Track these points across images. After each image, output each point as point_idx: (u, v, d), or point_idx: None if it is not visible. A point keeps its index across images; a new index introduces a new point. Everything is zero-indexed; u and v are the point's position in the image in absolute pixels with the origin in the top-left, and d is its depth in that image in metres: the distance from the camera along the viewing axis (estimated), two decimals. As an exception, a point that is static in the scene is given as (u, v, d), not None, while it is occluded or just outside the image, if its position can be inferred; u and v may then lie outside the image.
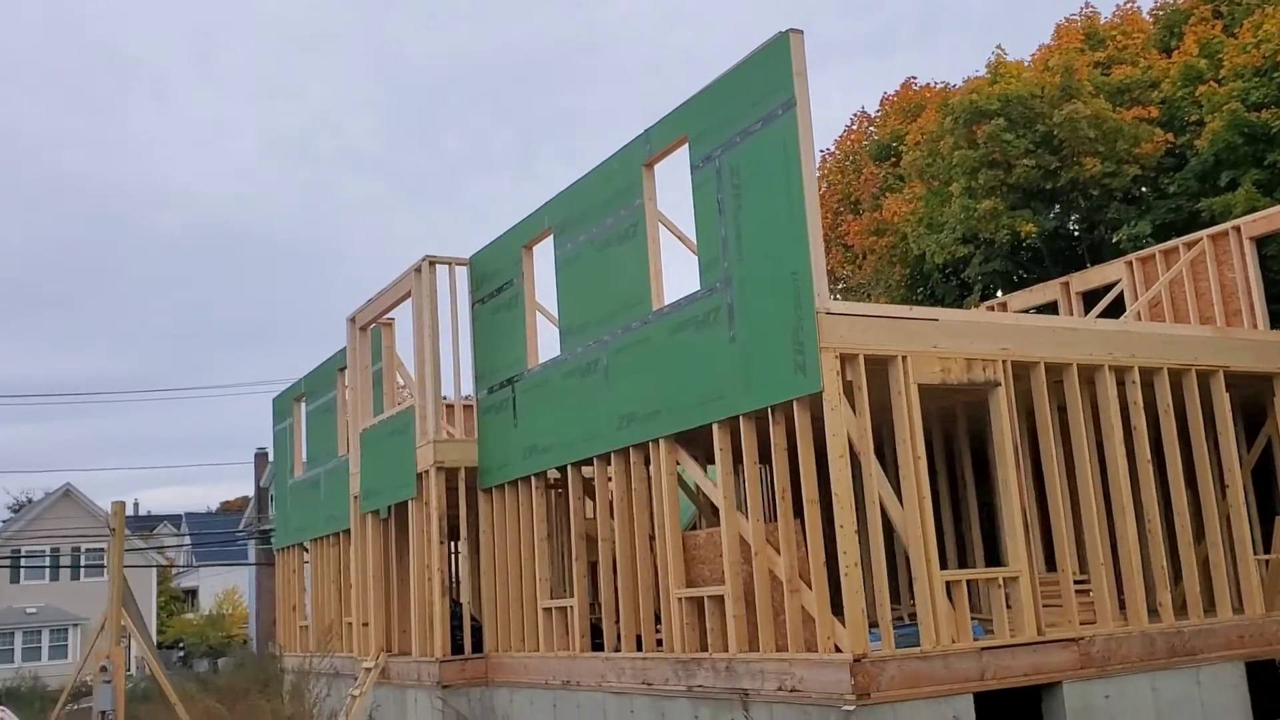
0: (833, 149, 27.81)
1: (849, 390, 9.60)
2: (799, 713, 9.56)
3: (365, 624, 17.79)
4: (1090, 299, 19.40)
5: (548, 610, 13.84)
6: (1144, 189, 19.70)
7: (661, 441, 11.61)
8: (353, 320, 18.55)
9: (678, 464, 11.65)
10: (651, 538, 11.96)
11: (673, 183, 12.43)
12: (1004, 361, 10.46)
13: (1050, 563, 10.97)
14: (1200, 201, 18.20)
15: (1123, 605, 10.90)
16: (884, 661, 9.17)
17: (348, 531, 20.30)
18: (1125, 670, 10.38)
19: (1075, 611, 10.32)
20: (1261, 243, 17.42)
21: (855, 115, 27.92)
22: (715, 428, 10.80)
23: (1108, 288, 19.05)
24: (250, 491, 65.36)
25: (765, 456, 10.83)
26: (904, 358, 9.91)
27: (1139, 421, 11.20)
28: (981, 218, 19.43)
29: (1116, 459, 10.97)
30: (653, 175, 12.21)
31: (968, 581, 10.22)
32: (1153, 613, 10.91)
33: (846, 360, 9.61)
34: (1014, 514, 10.16)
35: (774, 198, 10.03)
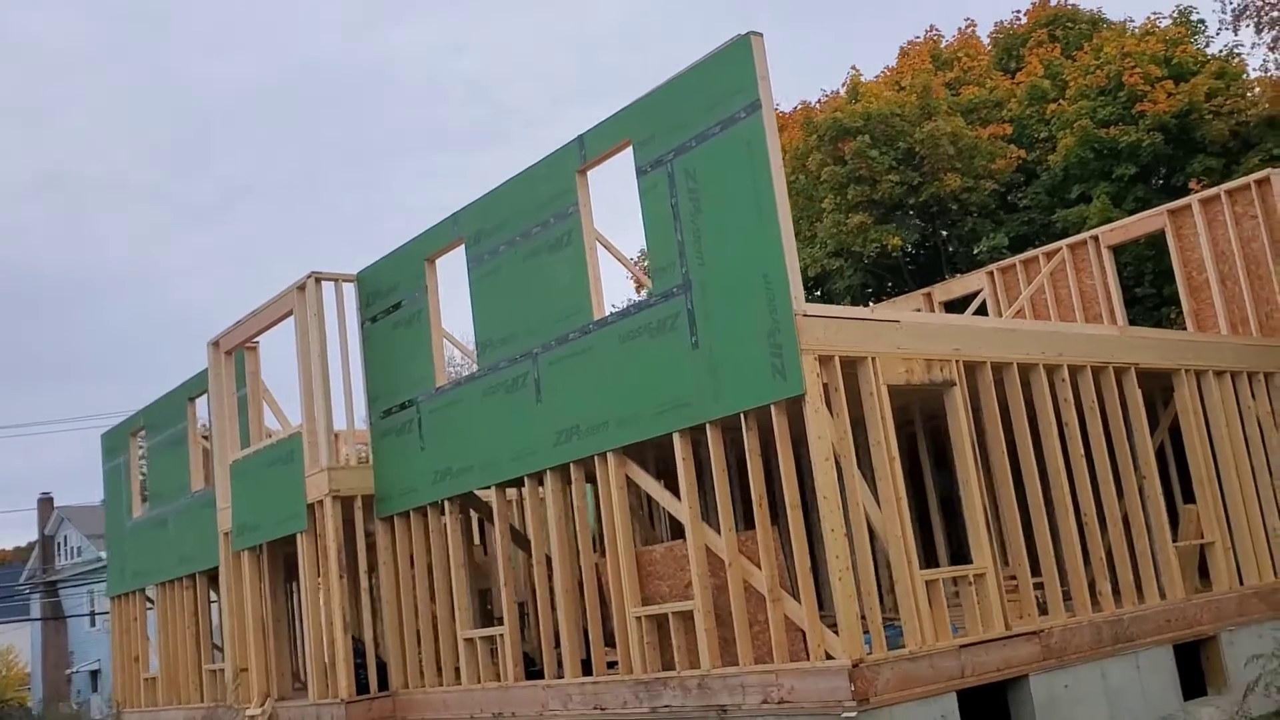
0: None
1: (826, 392, 9.52)
2: (789, 724, 9.35)
3: (243, 669, 16.53)
4: (952, 308, 20.18)
5: (470, 641, 13.18)
6: (995, 204, 20.66)
7: (610, 455, 11.23)
8: (216, 344, 17.31)
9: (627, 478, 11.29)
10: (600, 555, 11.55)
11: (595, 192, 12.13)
12: (957, 361, 10.62)
13: (1003, 558, 11.18)
14: (1054, 214, 19.20)
15: (1067, 596, 11.22)
16: (878, 665, 9.09)
17: (207, 572, 18.96)
18: (1079, 660, 10.67)
19: (1034, 605, 10.54)
20: (1116, 251, 18.53)
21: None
22: (676, 437, 10.52)
23: (969, 297, 19.87)
24: (34, 539, 60.29)
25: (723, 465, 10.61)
26: (873, 359, 9.92)
27: (1069, 417, 11.59)
28: (851, 231, 19.91)
29: (1055, 454, 11.31)
30: (587, 182, 11.87)
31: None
32: (1094, 603, 11.27)
33: (823, 362, 9.53)
34: (976, 511, 10.31)
35: (739, 201, 9.88)
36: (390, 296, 14.66)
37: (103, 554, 53.73)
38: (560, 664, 11.97)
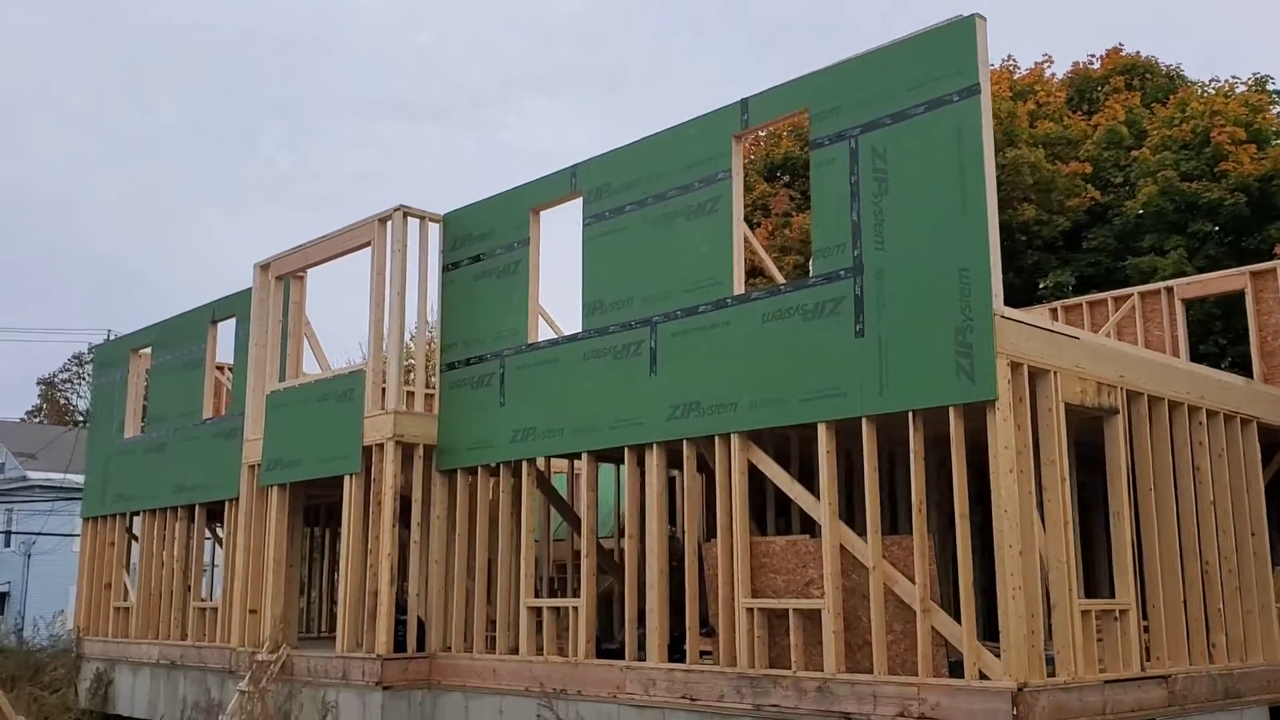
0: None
1: (1016, 402, 9.05)
2: (930, 742, 8.84)
3: (253, 611, 15.64)
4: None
5: (534, 610, 12.51)
6: (1063, 242, 20.44)
7: (734, 437, 10.66)
8: (265, 268, 16.40)
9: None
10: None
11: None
12: (1121, 388, 10.23)
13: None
14: (1124, 260, 19.01)
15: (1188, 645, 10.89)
16: (1038, 692, 8.63)
17: (208, 505, 18.01)
18: (1195, 710, 10.34)
19: (1164, 648, 10.18)
20: (1188, 305, 18.36)
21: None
22: (822, 427, 9.97)
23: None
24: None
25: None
26: (1056, 373, 9.48)
27: (1203, 462, 11.27)
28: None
29: (1188, 497, 10.98)
30: (742, 148, 11.28)
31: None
32: (1209, 654, 10.95)
33: (1014, 369, 9.06)
34: (1124, 545, 9.92)
35: (939, 188, 9.37)
36: (480, 244, 13.93)
37: (30, 473, 51.93)
38: (640, 646, 11.37)
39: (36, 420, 67.89)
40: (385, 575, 13.32)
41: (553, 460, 13.80)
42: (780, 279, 14.00)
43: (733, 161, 11.15)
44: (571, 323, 12.85)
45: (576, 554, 16.26)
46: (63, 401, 69.87)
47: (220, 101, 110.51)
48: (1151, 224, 19.00)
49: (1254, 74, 21.48)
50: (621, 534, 14.09)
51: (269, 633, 15.03)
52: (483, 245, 13.88)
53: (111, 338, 38.97)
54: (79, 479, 36.49)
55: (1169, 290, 17.76)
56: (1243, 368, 18.01)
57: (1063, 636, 9.08)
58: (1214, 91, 20.99)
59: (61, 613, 39.89)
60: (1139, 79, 21.79)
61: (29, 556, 48.63)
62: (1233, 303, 18.12)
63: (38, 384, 71.59)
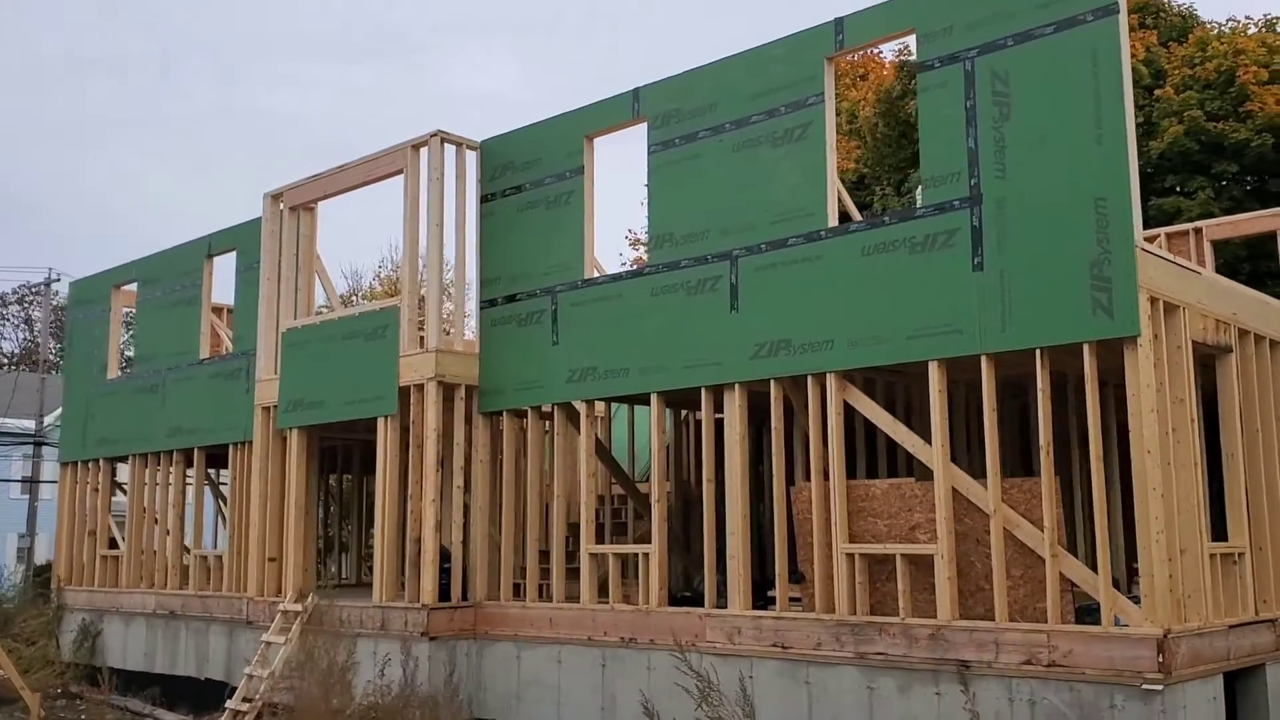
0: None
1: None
2: (1062, 690, 8.53)
3: (272, 559, 14.92)
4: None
5: (597, 556, 11.99)
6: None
7: (830, 377, 10.17)
8: (276, 198, 15.47)
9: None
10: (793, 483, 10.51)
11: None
12: (1234, 327, 9.92)
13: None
14: (1149, 201, 18.77)
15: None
16: (1179, 638, 8.34)
17: (209, 449, 17.17)
18: (1294, 652, 10.18)
19: (1271, 591, 9.99)
20: (1216, 247, 18.20)
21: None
22: (933, 366, 9.52)
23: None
24: None
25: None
26: (1184, 309, 9.12)
27: (1295, 404, 11.04)
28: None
29: (1282, 439, 10.76)
30: (834, 71, 10.68)
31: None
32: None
33: (1153, 304, 8.67)
34: (1238, 487, 9.68)
35: (1071, 113, 8.88)
36: (524, 173, 13.18)
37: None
38: (719, 594, 10.93)
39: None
40: (430, 521, 12.68)
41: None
42: (858, 216, 13.42)
43: (825, 85, 10.55)
44: (606, 257, 12.26)
45: (615, 498, 15.82)
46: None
47: (140, 34, 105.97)
48: (1172, 165, 18.78)
49: (1265, 15, 21.30)
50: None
51: (293, 581, 14.34)
52: (528, 174, 13.14)
53: (54, 276, 37.30)
54: (14, 423, 35.07)
55: (1198, 231, 17.53)
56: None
57: (1193, 581, 8.80)
58: (1230, 31, 20.78)
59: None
60: (1152, 18, 21.49)
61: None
62: (1258, 245, 18.01)
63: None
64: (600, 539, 15.35)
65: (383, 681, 12.03)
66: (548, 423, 13.42)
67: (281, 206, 15.43)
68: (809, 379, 10.33)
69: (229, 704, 13.59)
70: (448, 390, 13.08)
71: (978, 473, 9.86)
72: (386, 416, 13.36)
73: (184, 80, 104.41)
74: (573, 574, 13.10)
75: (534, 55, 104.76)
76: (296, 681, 11.97)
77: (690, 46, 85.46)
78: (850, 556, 9.90)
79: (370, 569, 17.17)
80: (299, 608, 13.90)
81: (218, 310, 19.33)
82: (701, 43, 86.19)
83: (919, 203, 10.01)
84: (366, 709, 11.70)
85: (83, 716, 16.37)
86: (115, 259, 38.08)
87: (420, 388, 13.00)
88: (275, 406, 14.95)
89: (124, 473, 19.51)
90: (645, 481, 15.79)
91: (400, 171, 13.67)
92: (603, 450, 14.25)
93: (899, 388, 12.26)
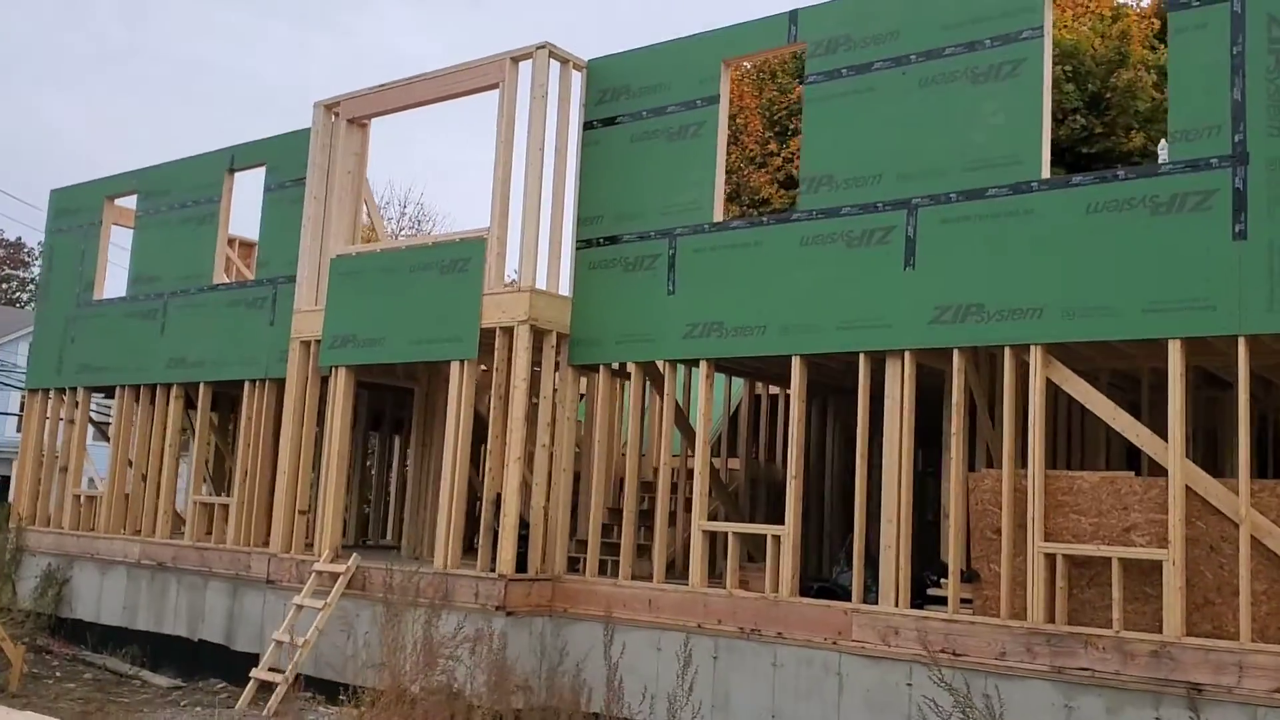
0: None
1: None
2: (1330, 727, 7.40)
3: (303, 512, 13.25)
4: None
5: (711, 535, 10.60)
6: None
7: (1035, 350, 8.90)
8: (331, 107, 13.74)
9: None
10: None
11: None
12: None
13: None
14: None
15: None
16: None
17: (216, 384, 15.40)
18: None
19: None
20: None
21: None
22: (1174, 345, 8.30)
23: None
24: None
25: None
26: None
27: None
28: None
29: None
30: (1053, 3, 9.39)
31: None
32: None
33: None
34: None
35: (1379, 66, 7.71)
36: (642, 99, 11.69)
37: None
38: (869, 588, 9.63)
39: None
40: (515, 481, 11.16)
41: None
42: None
43: (1044, 18, 9.25)
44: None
45: (673, 472, 14.39)
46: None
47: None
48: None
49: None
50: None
51: (329, 539, 12.71)
52: (646, 101, 11.64)
53: None
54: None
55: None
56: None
57: None
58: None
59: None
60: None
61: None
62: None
63: None
64: (648, 518, 14.02)
65: (472, 661, 10.50)
66: (648, 381, 11.98)
67: (334, 118, 13.72)
68: (1006, 351, 9.05)
69: (254, 673, 11.93)
70: (538, 336, 11.56)
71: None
72: (463, 361, 11.79)
73: (96, 20, 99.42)
74: (642, 550, 11.82)
75: (464, 23, 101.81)
76: (387, 656, 10.35)
77: None
78: (1050, 557, 8.66)
79: (402, 532, 15.55)
80: (338, 568, 12.29)
81: (229, 240, 17.45)
82: None
83: (1163, 158, 8.76)
84: (466, 697, 10.13)
85: (58, 673, 14.51)
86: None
87: (508, 331, 11.47)
88: (318, 341, 13.26)
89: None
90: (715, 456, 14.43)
91: (494, 86, 12.07)
92: (681, 418, 12.84)
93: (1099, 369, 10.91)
